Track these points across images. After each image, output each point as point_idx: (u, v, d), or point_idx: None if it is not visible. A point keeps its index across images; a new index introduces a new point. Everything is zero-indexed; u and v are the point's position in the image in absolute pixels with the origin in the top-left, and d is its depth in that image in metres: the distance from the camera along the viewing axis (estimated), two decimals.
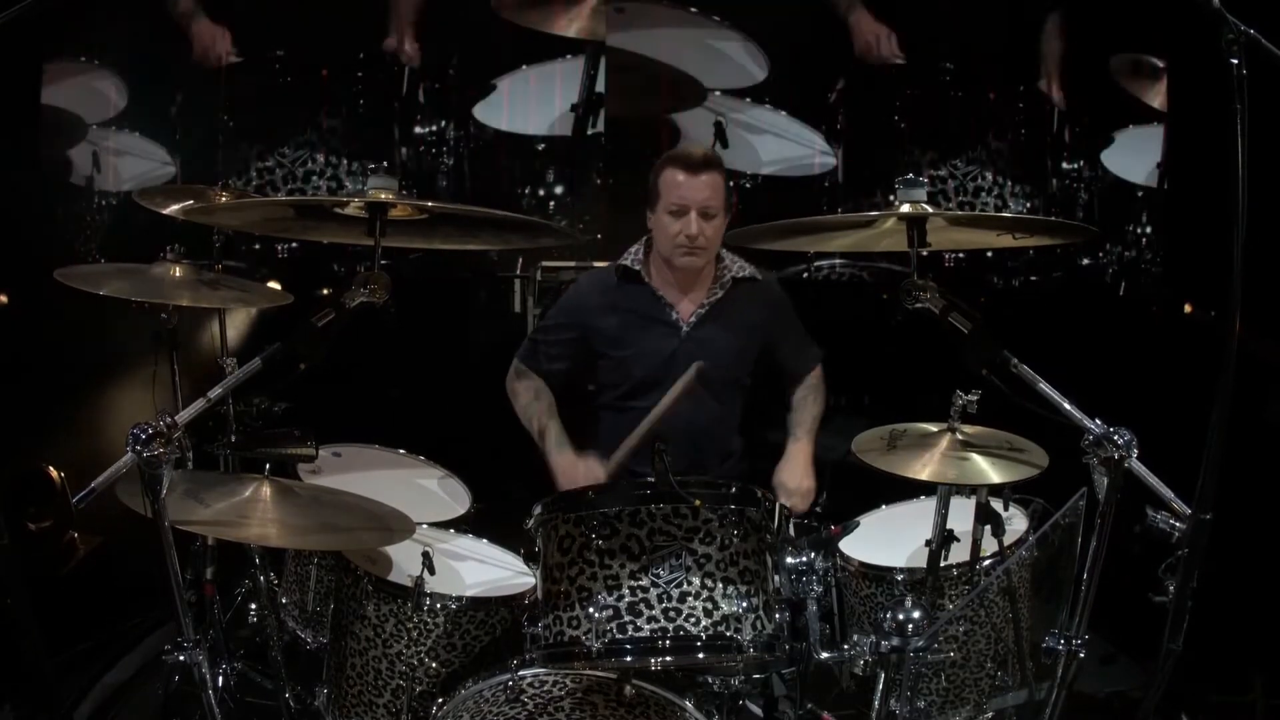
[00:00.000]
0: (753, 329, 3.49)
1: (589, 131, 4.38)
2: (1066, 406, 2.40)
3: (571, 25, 4.41)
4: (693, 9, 4.45)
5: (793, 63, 4.53)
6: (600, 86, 4.36)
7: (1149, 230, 4.68)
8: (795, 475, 3.40)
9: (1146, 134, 4.71)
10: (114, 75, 4.59)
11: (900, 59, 4.44)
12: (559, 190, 4.38)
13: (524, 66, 4.53)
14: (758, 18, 4.53)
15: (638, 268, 3.48)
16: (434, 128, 4.44)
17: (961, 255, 4.37)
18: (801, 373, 3.61)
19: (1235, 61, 2.08)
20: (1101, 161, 4.66)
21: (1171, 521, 2.42)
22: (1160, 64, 4.66)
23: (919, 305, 2.44)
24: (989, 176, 4.39)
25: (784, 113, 4.37)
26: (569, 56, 4.45)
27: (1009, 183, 4.42)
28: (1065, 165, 4.58)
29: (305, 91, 4.37)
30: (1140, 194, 4.72)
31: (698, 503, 2.45)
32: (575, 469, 3.33)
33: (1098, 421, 2.36)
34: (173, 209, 3.56)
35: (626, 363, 3.45)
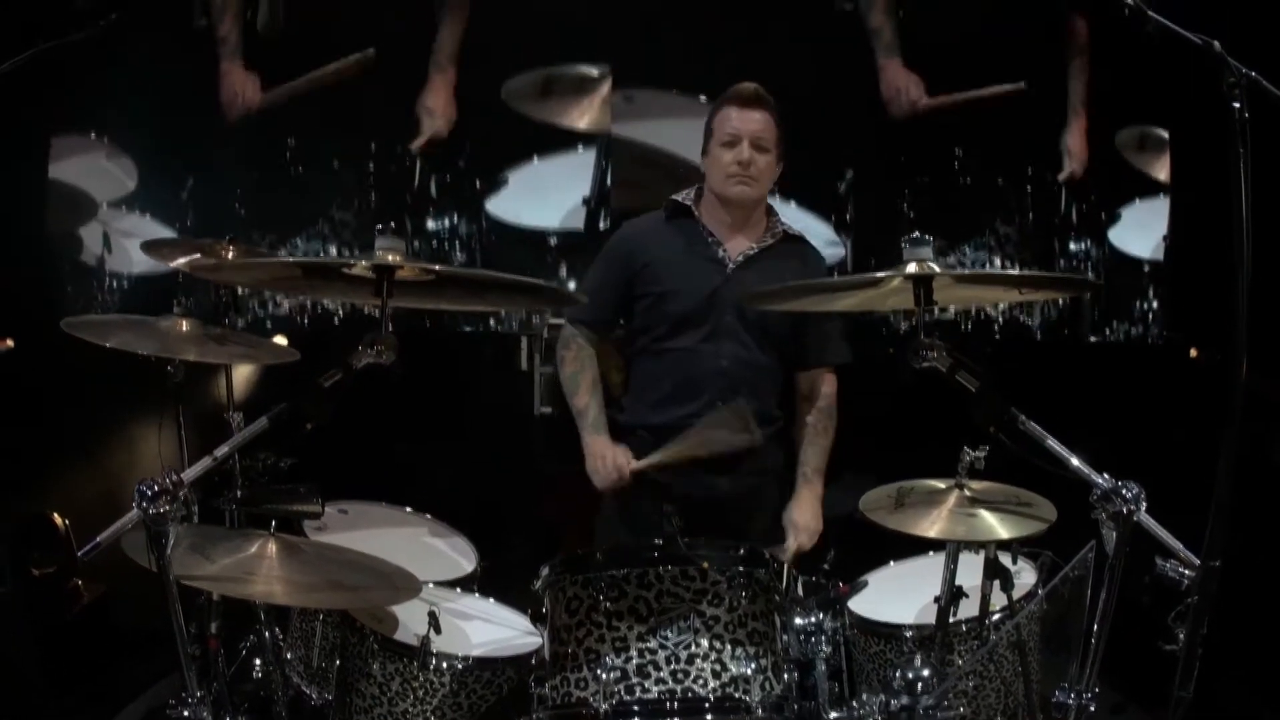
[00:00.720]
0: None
1: (601, 225, 4.40)
2: (1074, 462, 2.39)
3: (583, 118, 4.43)
4: (702, 97, 4.48)
5: (802, 153, 4.55)
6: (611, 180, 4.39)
7: (1155, 304, 4.69)
8: (806, 515, 3.37)
9: (1152, 208, 4.72)
10: (123, 155, 4.61)
11: (925, 103, 4.48)
12: (572, 285, 4.38)
13: (535, 158, 4.53)
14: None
15: (689, 204, 3.44)
16: (446, 221, 4.46)
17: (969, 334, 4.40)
18: (821, 362, 3.50)
19: (1237, 105, 2.08)
20: (1108, 239, 4.68)
21: (1180, 569, 2.41)
22: (1164, 135, 4.68)
23: (926, 365, 2.43)
24: (997, 261, 4.42)
25: (793, 203, 4.39)
26: (580, 148, 4.45)
27: (1017, 267, 4.45)
28: (1072, 246, 4.61)
29: (317, 183, 4.38)
30: (1146, 268, 4.74)
31: (706, 565, 2.45)
32: (607, 453, 3.29)
33: (1106, 476, 2.35)
34: (179, 262, 3.58)
35: (666, 298, 3.37)
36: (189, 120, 4.55)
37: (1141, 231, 4.72)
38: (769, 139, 3.33)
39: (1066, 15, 4.74)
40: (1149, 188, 4.71)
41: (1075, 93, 4.68)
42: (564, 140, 4.51)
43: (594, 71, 4.50)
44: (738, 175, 3.31)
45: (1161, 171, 4.68)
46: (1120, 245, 4.71)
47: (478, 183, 4.55)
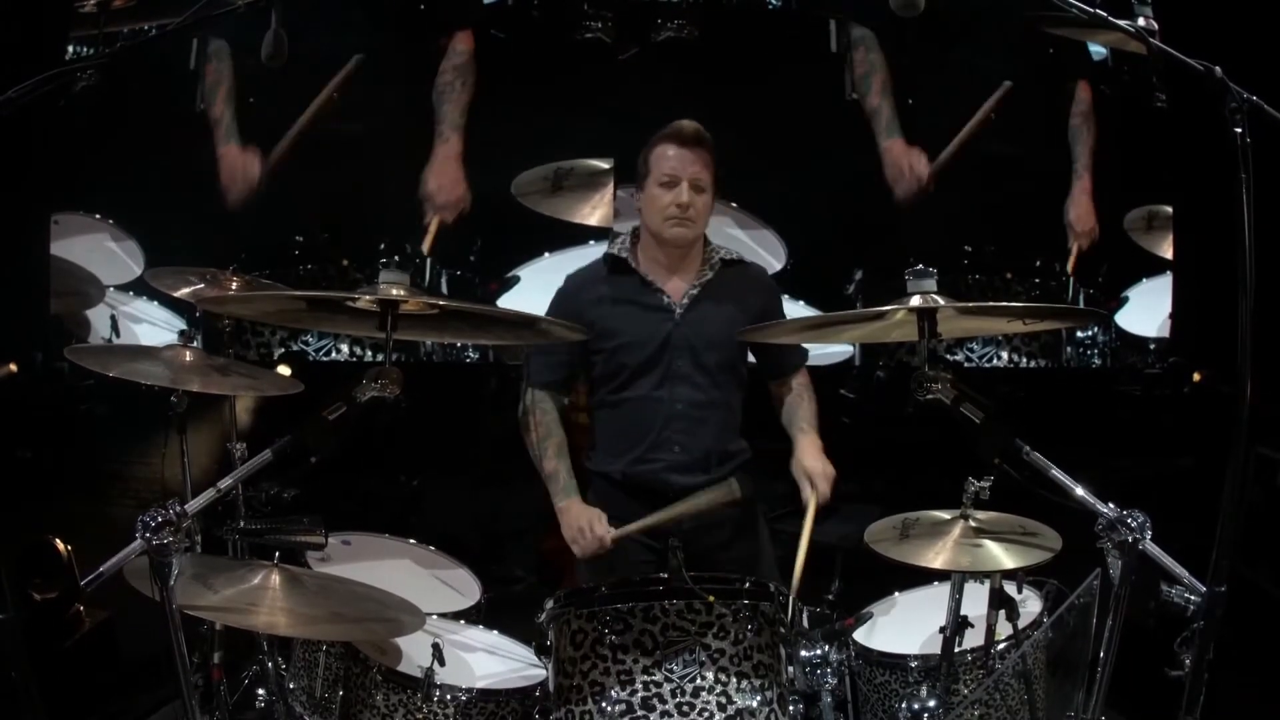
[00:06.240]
0: (745, 312, 3.36)
1: None
2: (1079, 492, 2.40)
3: (594, 213, 4.42)
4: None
5: (811, 253, 4.57)
6: None
7: (1158, 370, 4.70)
8: (816, 460, 3.27)
9: (1157, 286, 4.72)
10: (128, 238, 4.60)
11: (928, 177, 4.51)
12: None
13: (546, 254, 4.53)
14: (777, 208, 4.57)
15: (625, 255, 3.41)
16: None
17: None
18: (787, 371, 3.48)
19: (1239, 130, 2.09)
20: (1115, 323, 4.69)
21: (1186, 595, 2.41)
22: (1169, 211, 4.69)
23: (930, 397, 2.43)
24: (1004, 356, 4.46)
25: (802, 303, 4.39)
26: (592, 243, 4.45)
27: (1024, 360, 4.48)
28: (1080, 334, 4.63)
29: (325, 281, 4.37)
30: (1152, 345, 4.74)
31: (711, 598, 2.45)
32: (584, 524, 3.21)
33: (1111, 505, 2.35)
34: (184, 292, 3.59)
35: (619, 352, 3.34)
36: (193, 210, 4.53)
37: (1147, 313, 4.71)
38: (706, 179, 3.31)
39: (1067, 83, 4.75)
40: (1155, 266, 4.71)
41: (1080, 159, 4.67)
42: (575, 235, 4.50)
43: (604, 165, 4.50)
44: (676, 218, 3.28)
45: (1167, 250, 4.68)
46: (1127, 327, 4.71)
47: (491, 283, 4.55)
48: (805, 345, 3.55)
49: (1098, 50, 4.80)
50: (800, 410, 3.42)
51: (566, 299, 3.42)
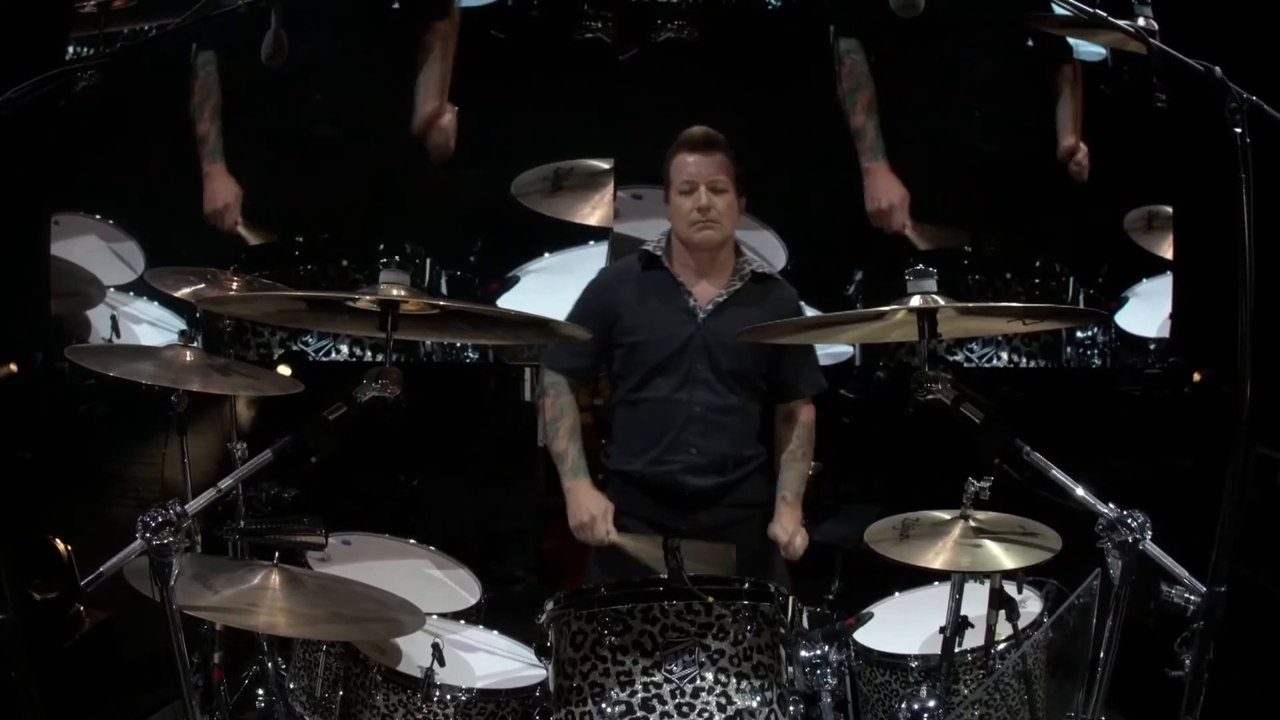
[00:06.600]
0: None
1: None
2: (1079, 492, 2.39)
3: (594, 213, 4.44)
4: None
5: (812, 254, 4.58)
6: None
7: (1158, 370, 4.71)
8: (789, 530, 3.34)
9: (1157, 287, 4.73)
10: (128, 239, 4.61)
11: (909, 227, 4.53)
12: None
13: (546, 254, 4.55)
14: (777, 208, 4.58)
15: (659, 253, 3.46)
16: None
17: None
18: (798, 395, 3.51)
19: (1239, 130, 2.09)
20: (1115, 323, 4.70)
21: (1186, 595, 2.41)
22: (1169, 211, 4.70)
23: (931, 397, 2.43)
24: (1004, 356, 4.46)
25: (802, 303, 4.40)
26: (591, 243, 4.46)
27: (1024, 360, 4.49)
28: (1080, 334, 4.64)
29: (325, 281, 4.39)
30: (1152, 345, 4.75)
31: (710, 599, 2.45)
32: (589, 502, 3.30)
33: (1111, 505, 2.35)
34: (184, 292, 3.60)
35: (639, 348, 3.40)
36: (193, 210, 4.55)
37: (1147, 313, 4.73)
38: (725, 180, 3.36)
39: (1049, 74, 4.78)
40: (1155, 266, 4.73)
41: (1064, 123, 4.69)
42: (575, 236, 4.54)
43: (604, 165, 4.53)
44: (700, 221, 3.34)
45: (1167, 250, 4.70)
46: (1127, 328, 4.73)
47: (491, 283, 4.57)
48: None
49: (1098, 50, 4.81)
50: (791, 472, 3.46)
51: (600, 289, 3.51)
